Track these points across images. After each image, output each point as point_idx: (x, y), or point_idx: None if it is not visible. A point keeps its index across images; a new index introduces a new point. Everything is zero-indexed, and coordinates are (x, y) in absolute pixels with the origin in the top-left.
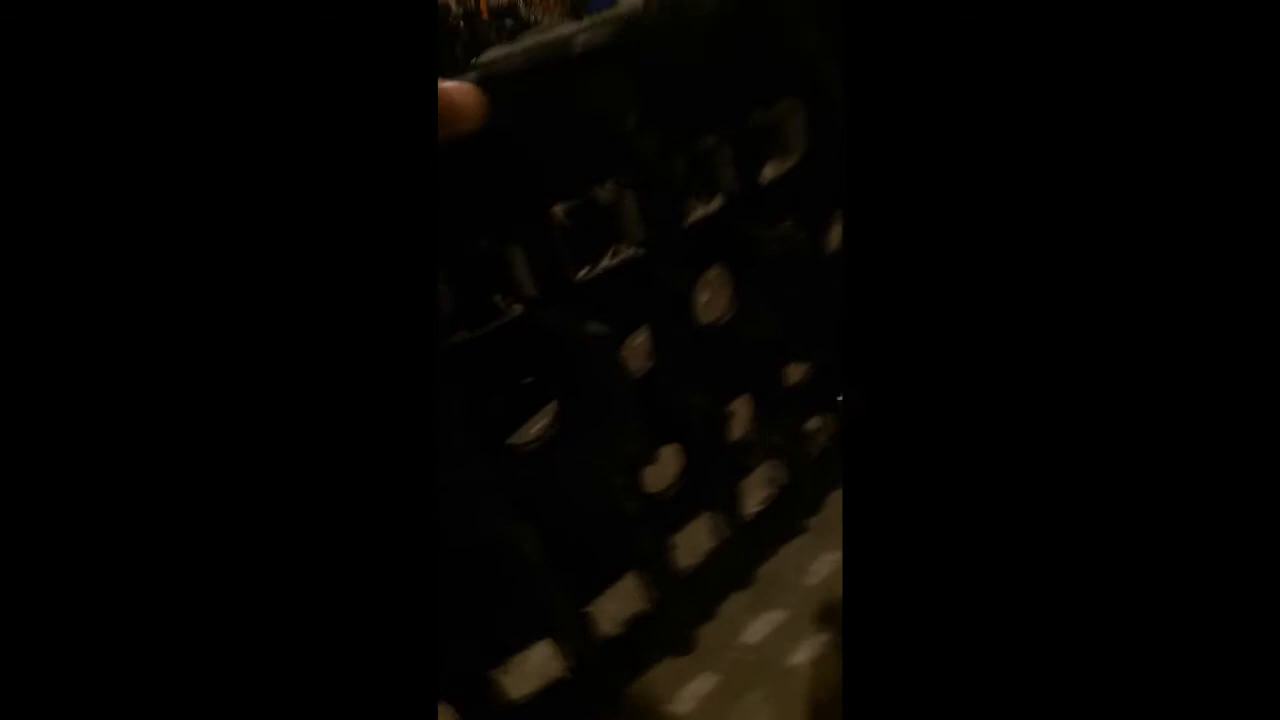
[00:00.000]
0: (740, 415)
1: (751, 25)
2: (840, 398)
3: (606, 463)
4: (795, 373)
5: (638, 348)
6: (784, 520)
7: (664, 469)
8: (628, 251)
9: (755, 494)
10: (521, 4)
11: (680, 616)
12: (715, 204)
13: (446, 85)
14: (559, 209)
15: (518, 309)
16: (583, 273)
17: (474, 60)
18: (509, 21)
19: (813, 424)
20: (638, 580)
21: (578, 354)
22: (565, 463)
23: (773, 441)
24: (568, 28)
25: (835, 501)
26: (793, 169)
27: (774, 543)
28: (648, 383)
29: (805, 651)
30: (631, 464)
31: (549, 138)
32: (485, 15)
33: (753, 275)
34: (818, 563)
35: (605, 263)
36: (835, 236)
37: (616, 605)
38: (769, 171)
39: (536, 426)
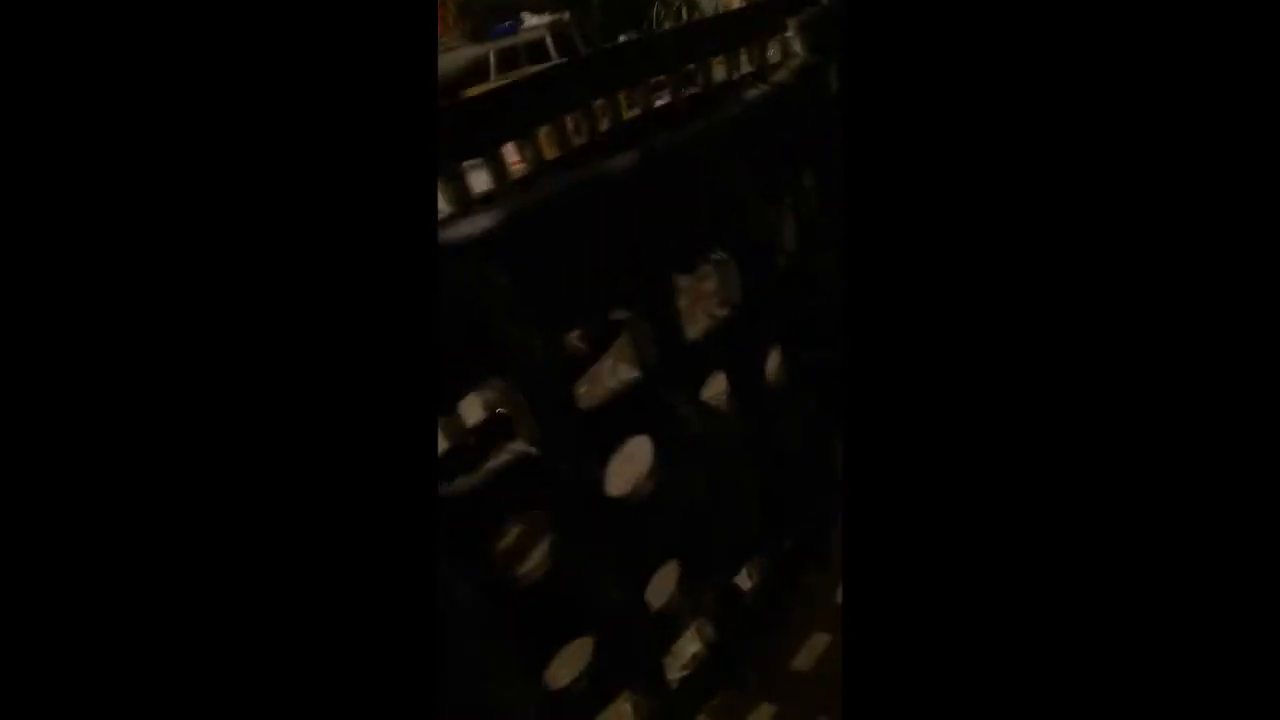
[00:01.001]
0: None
1: (668, 177)
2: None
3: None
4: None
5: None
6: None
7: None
8: (519, 448)
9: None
10: None
11: None
12: (628, 378)
13: None
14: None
15: None
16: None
17: None
18: None
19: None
20: None
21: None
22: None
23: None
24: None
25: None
26: (721, 327)
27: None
28: (551, 580)
29: None
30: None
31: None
32: None
33: (673, 448)
34: None
35: (491, 464)
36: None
37: None
38: (691, 333)
39: None
